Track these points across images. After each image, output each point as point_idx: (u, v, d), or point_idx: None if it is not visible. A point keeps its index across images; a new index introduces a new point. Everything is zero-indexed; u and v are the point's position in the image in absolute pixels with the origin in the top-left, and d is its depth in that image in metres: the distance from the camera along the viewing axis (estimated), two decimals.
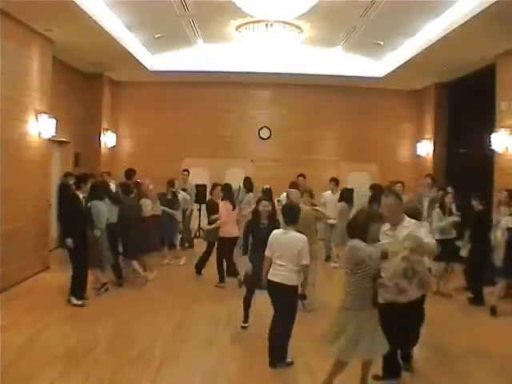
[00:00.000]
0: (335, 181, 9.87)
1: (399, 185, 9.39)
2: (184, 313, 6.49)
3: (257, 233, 5.79)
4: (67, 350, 5.06)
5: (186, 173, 10.86)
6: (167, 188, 9.49)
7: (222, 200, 8.01)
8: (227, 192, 8.11)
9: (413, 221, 4.31)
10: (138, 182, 8.97)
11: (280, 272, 4.78)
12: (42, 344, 5.20)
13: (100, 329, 5.72)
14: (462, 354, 5.29)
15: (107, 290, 7.19)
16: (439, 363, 4.99)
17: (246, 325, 5.86)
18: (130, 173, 9.24)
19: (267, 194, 7.90)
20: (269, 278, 4.88)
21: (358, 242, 3.95)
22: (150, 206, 8.37)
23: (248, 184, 9.77)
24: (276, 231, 5.05)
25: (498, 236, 7.34)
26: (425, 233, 4.21)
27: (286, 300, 4.82)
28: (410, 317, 4.31)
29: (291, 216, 4.99)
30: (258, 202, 6.16)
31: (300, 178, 9.98)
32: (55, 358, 4.82)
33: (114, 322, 6.01)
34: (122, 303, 6.86)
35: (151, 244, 8.39)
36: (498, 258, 7.33)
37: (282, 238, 4.89)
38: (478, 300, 7.16)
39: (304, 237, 4.86)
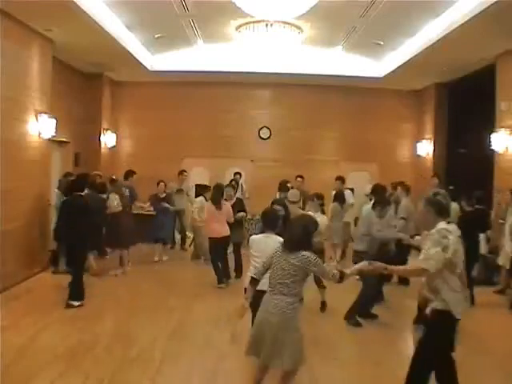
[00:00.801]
0: (341, 179, 9.74)
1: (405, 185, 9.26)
2: (184, 312, 6.49)
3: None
4: (67, 350, 5.05)
5: (185, 173, 10.79)
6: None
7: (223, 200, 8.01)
8: (220, 192, 8.07)
9: (440, 227, 3.71)
10: (112, 178, 9.17)
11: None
12: (41, 344, 5.19)
13: (100, 329, 5.72)
14: (461, 352, 5.28)
15: None
16: None
17: None
18: (127, 173, 9.35)
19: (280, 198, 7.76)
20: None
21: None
22: (115, 202, 8.18)
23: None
24: (256, 236, 4.93)
25: (506, 236, 7.37)
26: (426, 248, 3.67)
27: None
28: (427, 332, 3.81)
29: (269, 222, 4.86)
30: (272, 205, 5.99)
31: (298, 179, 9.99)
32: (55, 358, 4.81)
33: (114, 322, 6.01)
34: (121, 303, 6.86)
35: (118, 240, 8.19)
36: (504, 257, 7.35)
37: (265, 241, 4.74)
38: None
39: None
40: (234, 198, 8.64)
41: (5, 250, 6.88)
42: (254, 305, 4.82)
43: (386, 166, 12.41)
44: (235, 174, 10.99)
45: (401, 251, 6.81)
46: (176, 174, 10.73)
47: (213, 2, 7.62)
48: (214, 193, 8.05)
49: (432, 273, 3.59)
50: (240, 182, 10.94)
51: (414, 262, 3.80)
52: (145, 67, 10.83)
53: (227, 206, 8.01)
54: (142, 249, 9.68)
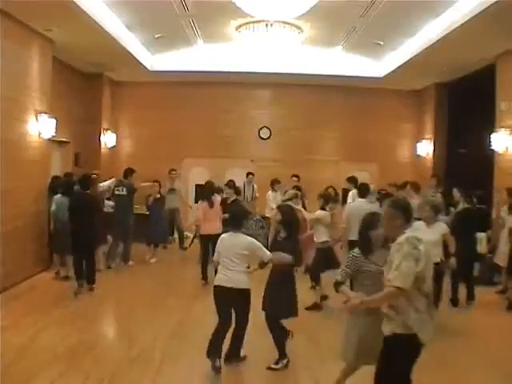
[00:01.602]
0: (350, 180, 9.26)
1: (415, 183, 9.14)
2: (184, 312, 6.49)
3: (275, 246, 5.12)
4: (67, 349, 5.06)
5: (174, 172, 10.75)
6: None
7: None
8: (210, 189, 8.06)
9: (408, 235, 3.25)
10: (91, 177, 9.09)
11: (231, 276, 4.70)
12: (41, 344, 5.20)
13: (100, 329, 5.73)
14: (460, 353, 5.29)
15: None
16: (437, 363, 4.98)
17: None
18: (126, 172, 9.24)
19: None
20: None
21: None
22: None
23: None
24: (224, 234, 4.98)
25: (504, 236, 7.38)
26: (396, 263, 3.12)
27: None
28: (384, 356, 3.30)
29: (234, 221, 4.92)
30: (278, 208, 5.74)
31: (293, 178, 9.99)
32: (55, 358, 4.82)
33: (114, 322, 6.02)
34: (121, 303, 6.87)
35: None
36: (502, 257, 7.35)
37: (229, 240, 4.81)
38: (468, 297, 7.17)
39: (251, 239, 4.81)
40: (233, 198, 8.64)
41: (5, 249, 6.88)
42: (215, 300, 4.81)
43: (386, 166, 12.41)
44: (248, 174, 11.00)
45: None
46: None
47: (213, 2, 7.61)
48: (205, 191, 8.03)
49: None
50: (252, 182, 10.92)
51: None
52: (145, 67, 10.83)
53: (218, 201, 8.04)
54: (141, 249, 9.67)
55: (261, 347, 5.07)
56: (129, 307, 6.69)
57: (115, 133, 12.35)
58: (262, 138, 12.83)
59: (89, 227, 7.11)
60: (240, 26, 8.41)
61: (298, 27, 8.29)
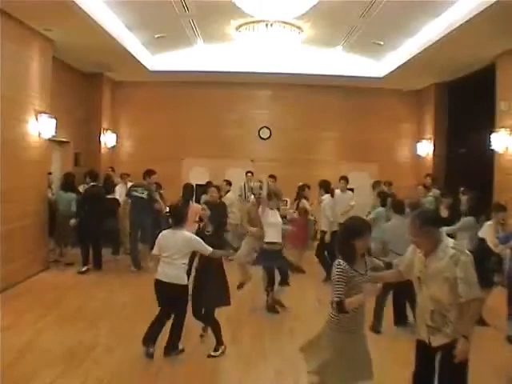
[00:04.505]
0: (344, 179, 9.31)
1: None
2: None
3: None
4: (67, 350, 5.05)
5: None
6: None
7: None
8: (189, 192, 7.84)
9: (450, 246, 3.24)
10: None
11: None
12: (42, 344, 5.20)
13: (100, 329, 5.72)
14: None
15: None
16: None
17: None
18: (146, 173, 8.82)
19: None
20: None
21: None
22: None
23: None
24: (164, 231, 5.14)
25: None
26: (462, 274, 3.10)
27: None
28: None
29: (176, 217, 5.08)
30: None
31: (270, 179, 9.76)
32: (55, 358, 4.82)
33: (114, 322, 6.01)
34: (121, 303, 6.86)
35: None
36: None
37: (171, 236, 4.97)
38: None
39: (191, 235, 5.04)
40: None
41: (5, 249, 6.88)
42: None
43: (386, 165, 12.40)
44: (247, 172, 10.96)
45: None
46: (176, 173, 10.72)
47: (213, 2, 7.62)
48: (187, 193, 7.78)
49: None
50: (251, 181, 10.84)
51: None
52: (145, 67, 10.83)
53: (193, 207, 7.48)
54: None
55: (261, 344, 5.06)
56: (129, 307, 6.68)
57: (115, 133, 12.35)
58: (262, 138, 12.83)
59: (96, 214, 8.29)
60: (240, 25, 8.42)
61: (298, 27, 8.30)
